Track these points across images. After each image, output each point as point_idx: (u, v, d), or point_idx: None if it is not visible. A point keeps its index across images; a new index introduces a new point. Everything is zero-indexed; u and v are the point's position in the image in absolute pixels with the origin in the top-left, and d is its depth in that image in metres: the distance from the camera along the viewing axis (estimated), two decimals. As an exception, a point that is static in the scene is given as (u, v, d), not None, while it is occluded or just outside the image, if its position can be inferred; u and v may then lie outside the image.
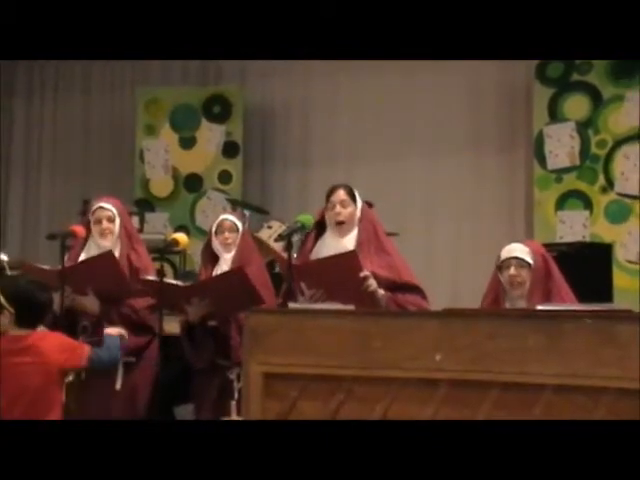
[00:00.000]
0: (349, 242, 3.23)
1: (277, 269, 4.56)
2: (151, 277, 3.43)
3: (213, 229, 3.61)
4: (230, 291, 3.30)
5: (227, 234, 3.56)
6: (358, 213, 3.30)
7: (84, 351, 3.00)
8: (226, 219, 3.62)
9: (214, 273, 3.56)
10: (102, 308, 3.47)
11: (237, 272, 3.35)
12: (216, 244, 3.58)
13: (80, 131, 6.94)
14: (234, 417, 3.15)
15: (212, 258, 3.61)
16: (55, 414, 2.90)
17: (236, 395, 3.26)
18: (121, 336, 3.23)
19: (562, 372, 2.07)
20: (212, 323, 3.46)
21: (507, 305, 3.05)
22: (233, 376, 3.34)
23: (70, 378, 3.09)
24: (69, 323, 3.41)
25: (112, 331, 3.22)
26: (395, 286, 3.19)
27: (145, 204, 6.37)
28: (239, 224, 3.62)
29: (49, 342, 2.93)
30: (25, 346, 2.91)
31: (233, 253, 3.55)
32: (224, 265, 3.55)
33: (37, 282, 3.08)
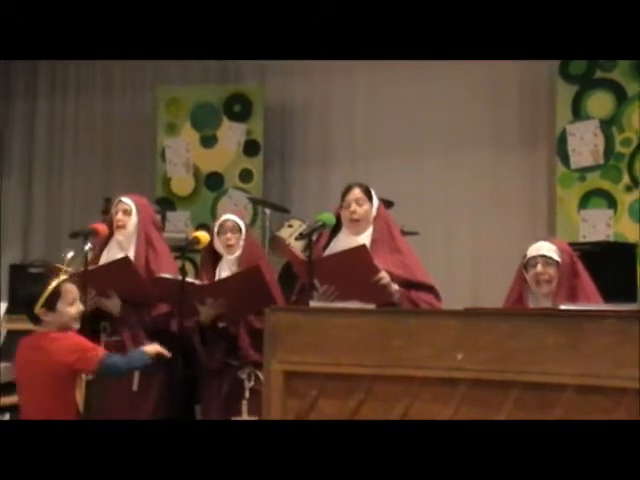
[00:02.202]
0: (363, 240, 3.21)
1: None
2: (167, 275, 3.41)
3: (215, 229, 3.56)
4: (245, 290, 3.28)
5: (229, 235, 3.50)
6: (374, 212, 3.29)
7: (96, 355, 2.87)
8: (228, 219, 3.55)
9: (216, 274, 3.51)
10: (122, 311, 3.48)
11: (254, 270, 3.32)
12: (218, 245, 3.53)
13: (101, 130, 6.99)
14: (245, 417, 3.14)
15: (213, 258, 3.55)
16: (67, 415, 2.82)
17: (247, 394, 3.25)
18: (157, 353, 3.06)
19: (583, 372, 2.05)
20: (222, 324, 3.45)
21: (531, 303, 3.02)
22: (244, 376, 3.33)
23: (89, 377, 3.07)
24: (92, 322, 3.43)
25: (150, 349, 3.04)
26: (409, 284, 3.18)
27: (166, 203, 6.40)
28: (242, 224, 3.55)
29: (61, 342, 2.85)
30: (40, 344, 2.88)
31: (238, 254, 3.50)
32: (226, 266, 3.50)
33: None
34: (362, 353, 2.31)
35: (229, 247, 3.51)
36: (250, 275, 3.33)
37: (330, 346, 2.34)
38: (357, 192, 3.28)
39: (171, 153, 6.46)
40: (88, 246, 3.52)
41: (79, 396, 2.91)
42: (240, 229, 3.53)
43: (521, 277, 3.06)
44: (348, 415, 2.30)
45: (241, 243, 3.52)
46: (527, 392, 2.11)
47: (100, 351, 2.93)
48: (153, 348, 3.04)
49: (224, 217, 3.59)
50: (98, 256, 3.63)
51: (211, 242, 3.54)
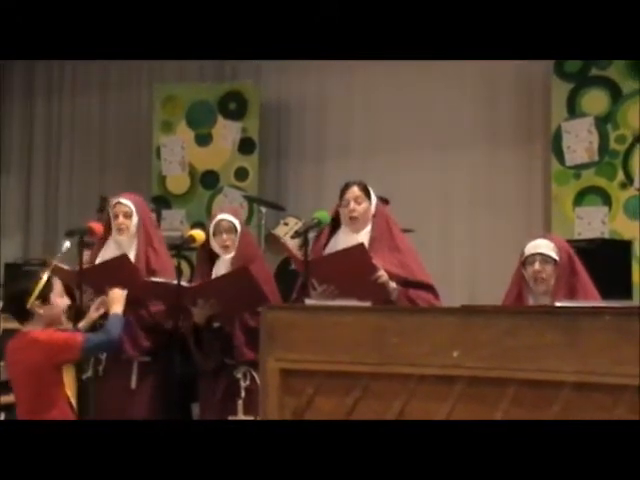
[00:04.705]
0: (362, 238, 3.20)
1: (292, 266, 4.54)
2: (158, 279, 3.39)
3: (211, 230, 3.48)
4: (236, 291, 3.26)
5: (225, 236, 3.43)
6: (372, 209, 3.29)
7: (76, 342, 2.89)
8: (223, 219, 3.47)
9: (213, 273, 3.47)
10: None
11: (242, 272, 3.29)
12: (214, 245, 3.47)
13: (98, 129, 7.00)
14: (241, 416, 3.13)
15: (209, 257, 3.51)
16: (56, 412, 2.83)
17: (243, 394, 3.24)
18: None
19: (581, 369, 2.05)
20: (216, 324, 3.43)
21: (530, 301, 3.02)
22: (239, 375, 3.32)
23: (89, 374, 3.07)
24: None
25: (116, 294, 3.15)
26: (407, 283, 3.17)
27: (162, 201, 6.40)
28: (237, 224, 3.47)
29: (38, 341, 2.86)
30: (22, 345, 2.89)
31: (233, 253, 3.45)
32: (222, 266, 3.45)
33: (25, 272, 3.06)
34: (359, 351, 2.30)
35: (225, 247, 3.46)
36: (238, 276, 3.30)
37: (327, 344, 2.34)
38: (355, 190, 3.28)
39: (166, 151, 6.46)
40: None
41: (70, 391, 2.91)
42: (236, 229, 3.47)
43: (520, 274, 3.07)
44: (345, 413, 2.29)
45: (236, 244, 3.47)
46: (524, 389, 2.11)
47: (78, 338, 2.93)
48: (117, 300, 3.11)
49: (219, 217, 3.51)
50: (94, 257, 3.62)
51: (206, 241, 3.49)
